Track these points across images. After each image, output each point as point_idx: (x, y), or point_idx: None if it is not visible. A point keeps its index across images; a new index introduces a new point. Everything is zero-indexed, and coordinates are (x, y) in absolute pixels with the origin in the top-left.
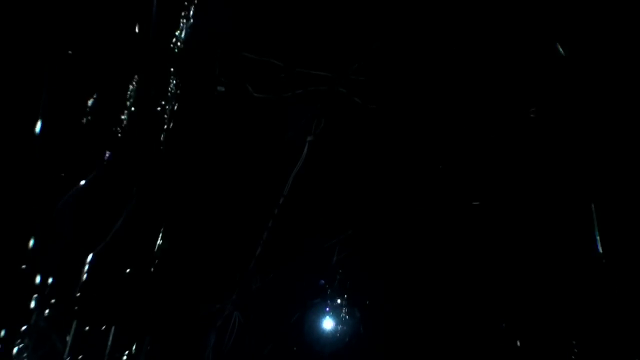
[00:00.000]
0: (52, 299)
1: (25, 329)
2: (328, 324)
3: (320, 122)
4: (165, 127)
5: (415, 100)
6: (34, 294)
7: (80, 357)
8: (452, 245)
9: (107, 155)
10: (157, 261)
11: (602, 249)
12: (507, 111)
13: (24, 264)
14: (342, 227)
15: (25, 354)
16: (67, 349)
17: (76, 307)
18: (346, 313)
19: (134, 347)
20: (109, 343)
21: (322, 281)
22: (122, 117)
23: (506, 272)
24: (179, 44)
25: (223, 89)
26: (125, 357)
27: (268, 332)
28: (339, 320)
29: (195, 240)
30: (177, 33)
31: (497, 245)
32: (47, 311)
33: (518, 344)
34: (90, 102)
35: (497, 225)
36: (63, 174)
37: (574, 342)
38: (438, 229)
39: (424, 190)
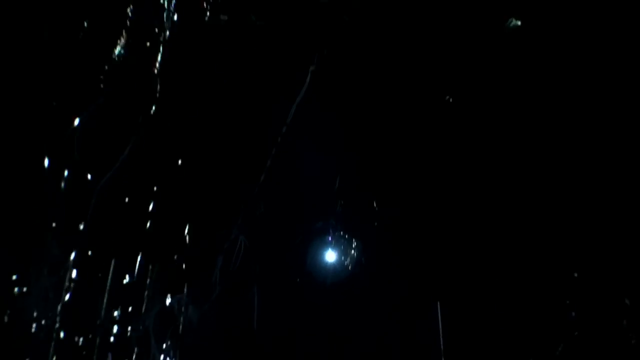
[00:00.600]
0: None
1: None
2: (330, 254)
3: (323, 51)
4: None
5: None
6: None
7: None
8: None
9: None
10: (164, 188)
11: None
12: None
13: None
14: (345, 155)
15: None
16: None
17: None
18: (347, 244)
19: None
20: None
21: (320, 223)
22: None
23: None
24: None
25: (226, 18)
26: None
27: (272, 255)
28: (340, 251)
29: (202, 167)
30: None
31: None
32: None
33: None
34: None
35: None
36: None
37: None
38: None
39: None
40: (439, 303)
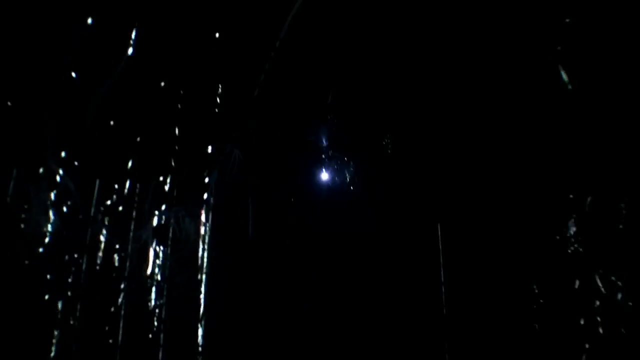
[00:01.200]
0: None
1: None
2: (324, 173)
3: None
4: None
5: None
6: None
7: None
8: None
9: None
10: (158, 102)
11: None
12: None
13: None
14: (337, 70)
15: None
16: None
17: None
18: (340, 163)
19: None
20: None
21: (312, 136)
22: None
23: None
24: None
25: None
26: (128, 195)
27: (266, 168)
28: (334, 169)
29: (195, 80)
30: None
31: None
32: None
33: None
34: None
35: None
36: None
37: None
38: None
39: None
40: (439, 225)
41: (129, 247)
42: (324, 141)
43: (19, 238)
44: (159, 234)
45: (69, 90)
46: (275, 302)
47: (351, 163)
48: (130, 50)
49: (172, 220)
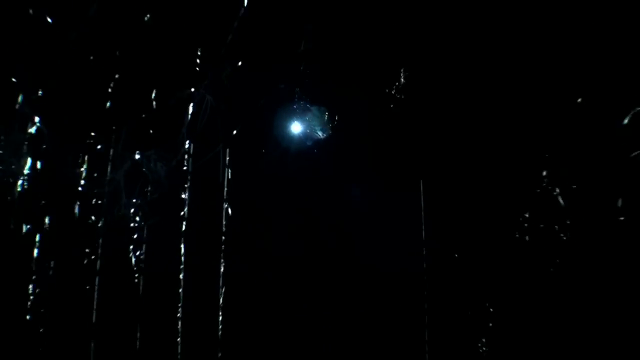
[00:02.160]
0: None
1: None
2: (295, 124)
3: None
4: None
5: None
6: None
7: None
8: None
9: None
10: (130, 48)
11: None
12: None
13: None
14: (311, 17)
15: None
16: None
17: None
18: (313, 114)
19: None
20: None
21: (282, 85)
22: None
23: None
24: None
25: None
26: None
27: (238, 114)
28: (306, 121)
29: (168, 27)
30: None
31: None
32: None
33: None
34: None
35: None
36: None
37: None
38: None
39: None
40: (421, 182)
41: (104, 191)
42: (298, 90)
43: None
44: (131, 178)
45: (42, 31)
46: (249, 246)
47: (325, 114)
48: None
49: (144, 165)
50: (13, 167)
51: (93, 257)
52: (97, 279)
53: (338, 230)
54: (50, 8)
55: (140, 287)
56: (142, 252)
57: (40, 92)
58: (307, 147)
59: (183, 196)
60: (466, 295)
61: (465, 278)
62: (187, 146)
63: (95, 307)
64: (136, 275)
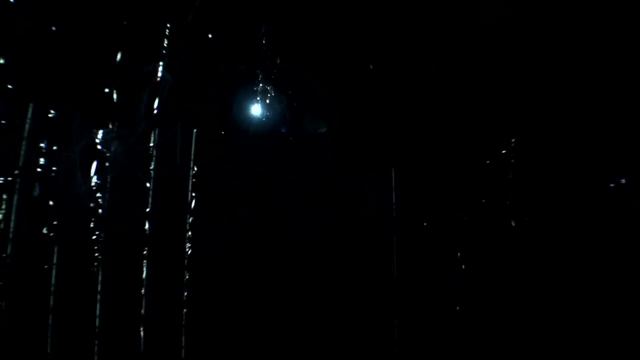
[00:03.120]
0: None
1: None
2: (255, 106)
3: None
4: None
5: None
6: None
7: None
8: None
9: None
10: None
11: None
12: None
13: None
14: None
15: None
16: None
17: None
18: (272, 98)
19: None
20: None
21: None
22: None
23: None
24: None
25: None
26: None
27: (197, 93)
28: (265, 103)
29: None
30: None
31: None
32: None
33: None
34: None
35: None
36: None
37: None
38: None
39: None
40: (393, 170)
41: (59, 169)
42: (258, 72)
43: None
44: (88, 155)
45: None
46: (202, 227)
47: (284, 97)
48: None
49: (101, 143)
50: None
51: (51, 236)
52: (54, 260)
53: (304, 210)
54: None
55: (100, 268)
56: (102, 232)
57: None
58: (264, 130)
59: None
60: (433, 259)
61: (431, 245)
62: (145, 125)
63: (52, 290)
64: (96, 255)
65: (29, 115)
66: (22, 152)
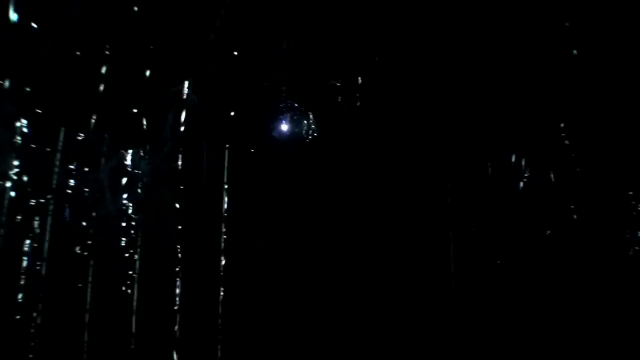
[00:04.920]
0: None
1: None
2: (282, 124)
3: None
4: None
5: None
6: None
7: None
8: None
9: None
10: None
11: None
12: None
13: None
14: (294, 15)
15: None
16: None
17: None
18: (300, 114)
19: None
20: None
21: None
22: None
23: None
24: None
25: None
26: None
27: (221, 111)
28: (292, 121)
29: (154, 29)
30: None
31: None
32: None
33: None
34: None
35: None
36: None
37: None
38: None
39: None
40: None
41: (91, 190)
42: (283, 89)
43: None
44: (115, 177)
45: (27, 37)
46: (233, 242)
47: (309, 113)
48: None
49: (128, 163)
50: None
51: (85, 256)
52: (89, 279)
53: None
54: (35, 9)
55: (135, 288)
56: (135, 251)
57: (26, 92)
58: (290, 146)
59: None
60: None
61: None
62: (171, 144)
63: (88, 307)
64: (130, 274)
65: (60, 138)
66: (54, 175)
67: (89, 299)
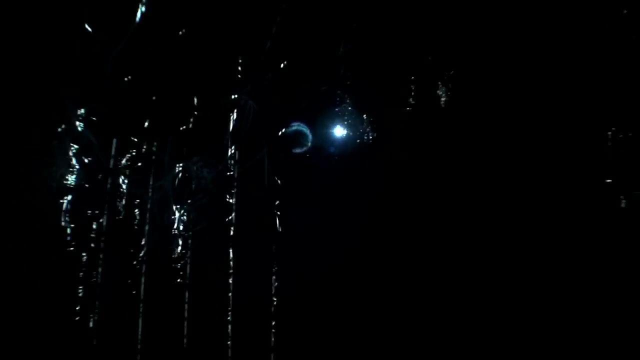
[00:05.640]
0: None
1: None
2: (338, 128)
3: None
4: None
5: None
6: None
7: None
8: None
9: None
10: (173, 57)
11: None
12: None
13: None
14: (350, 20)
15: None
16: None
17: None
18: (356, 117)
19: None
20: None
21: (325, 87)
22: None
23: None
24: None
25: None
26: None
27: (280, 118)
28: (348, 124)
29: (211, 36)
30: None
31: None
32: None
33: None
34: None
35: None
36: None
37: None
38: None
39: None
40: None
41: (150, 199)
42: (338, 93)
43: (41, 192)
44: (179, 185)
45: (86, 49)
46: (295, 248)
47: (364, 117)
48: (144, 5)
49: (191, 171)
50: (64, 177)
51: (140, 265)
52: (141, 288)
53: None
54: (92, 20)
55: (187, 295)
56: (189, 259)
57: (88, 102)
58: (346, 151)
59: (230, 201)
60: None
61: None
62: (232, 151)
63: (141, 315)
64: (182, 281)
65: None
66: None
67: (141, 309)
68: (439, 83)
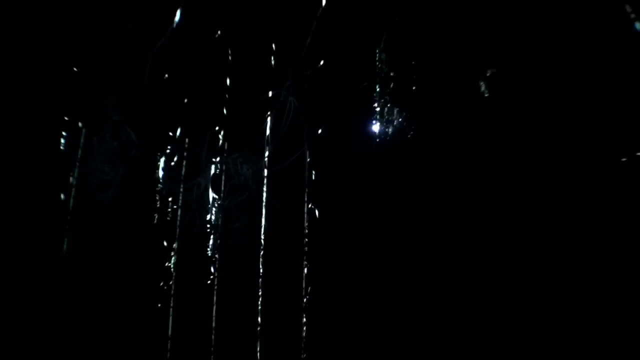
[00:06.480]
0: None
1: None
2: (375, 122)
3: None
4: None
5: None
6: None
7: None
8: None
9: None
10: (212, 55)
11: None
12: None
13: None
14: (388, 15)
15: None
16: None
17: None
18: (390, 113)
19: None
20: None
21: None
22: None
23: None
24: None
25: None
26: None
27: (320, 114)
28: (385, 120)
29: (251, 34)
30: None
31: None
32: None
33: None
34: None
35: None
36: None
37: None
38: None
39: None
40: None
41: (188, 195)
42: (377, 89)
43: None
44: (217, 181)
45: (127, 48)
46: (331, 246)
47: (403, 113)
48: (183, 5)
49: (230, 168)
50: (106, 173)
51: (172, 258)
52: (172, 285)
53: (423, 227)
54: (133, 20)
55: (215, 287)
56: (223, 253)
57: (128, 101)
58: (384, 146)
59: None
60: None
61: None
62: (271, 148)
63: (171, 311)
64: (214, 275)
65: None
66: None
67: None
68: (479, 80)
